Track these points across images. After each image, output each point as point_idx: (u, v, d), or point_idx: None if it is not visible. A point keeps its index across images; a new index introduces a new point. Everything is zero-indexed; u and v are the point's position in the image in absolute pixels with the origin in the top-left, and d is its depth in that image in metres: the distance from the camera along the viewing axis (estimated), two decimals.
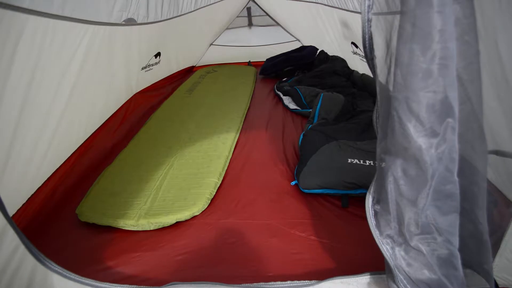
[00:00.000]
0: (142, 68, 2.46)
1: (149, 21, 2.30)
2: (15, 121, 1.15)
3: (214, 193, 1.45)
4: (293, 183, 1.51)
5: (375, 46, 0.64)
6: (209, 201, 1.40)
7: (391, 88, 0.60)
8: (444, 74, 0.54)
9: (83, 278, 0.99)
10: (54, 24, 1.31)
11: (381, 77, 0.66)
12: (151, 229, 1.27)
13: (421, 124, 0.58)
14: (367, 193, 0.77)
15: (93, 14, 1.62)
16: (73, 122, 1.59)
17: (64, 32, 1.39)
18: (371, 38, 0.63)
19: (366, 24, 0.62)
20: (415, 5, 0.52)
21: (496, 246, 0.80)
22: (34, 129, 1.28)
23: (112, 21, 1.83)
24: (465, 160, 0.60)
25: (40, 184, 1.37)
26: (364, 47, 0.65)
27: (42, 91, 1.29)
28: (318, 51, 3.15)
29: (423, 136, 0.59)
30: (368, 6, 0.60)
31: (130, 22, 2.04)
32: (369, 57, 0.65)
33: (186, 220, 1.31)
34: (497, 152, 0.79)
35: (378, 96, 0.68)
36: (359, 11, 0.64)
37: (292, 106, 2.41)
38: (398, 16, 0.55)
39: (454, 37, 0.51)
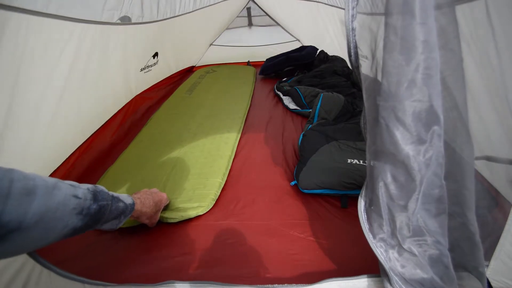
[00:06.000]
0: (141, 70, 2.46)
1: (144, 21, 2.27)
2: (2, 123, 1.14)
3: (219, 193, 1.46)
4: (292, 183, 1.52)
5: (360, 55, 0.65)
6: (214, 202, 1.41)
7: (377, 96, 0.61)
8: (429, 84, 0.55)
9: (82, 277, 1.01)
10: (38, 23, 1.26)
11: (367, 85, 0.67)
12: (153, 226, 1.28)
13: (408, 132, 0.59)
14: (359, 198, 0.78)
15: (81, 12, 1.56)
16: (68, 124, 1.57)
17: (50, 31, 1.35)
18: (356, 47, 0.64)
19: (350, 33, 0.63)
20: (398, 17, 0.52)
21: (492, 248, 0.80)
22: (26, 130, 1.27)
23: (103, 20, 1.78)
24: (455, 164, 0.61)
25: None
26: (349, 55, 0.66)
27: (28, 95, 1.26)
28: (318, 51, 3.15)
29: (410, 143, 0.60)
30: (352, 16, 0.61)
31: (125, 20, 1.99)
32: (355, 65, 0.67)
33: (186, 221, 1.33)
34: (488, 158, 0.80)
35: (365, 103, 0.69)
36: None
37: (292, 106, 2.42)
38: (382, 26, 0.56)
39: (438, 46, 0.52)
